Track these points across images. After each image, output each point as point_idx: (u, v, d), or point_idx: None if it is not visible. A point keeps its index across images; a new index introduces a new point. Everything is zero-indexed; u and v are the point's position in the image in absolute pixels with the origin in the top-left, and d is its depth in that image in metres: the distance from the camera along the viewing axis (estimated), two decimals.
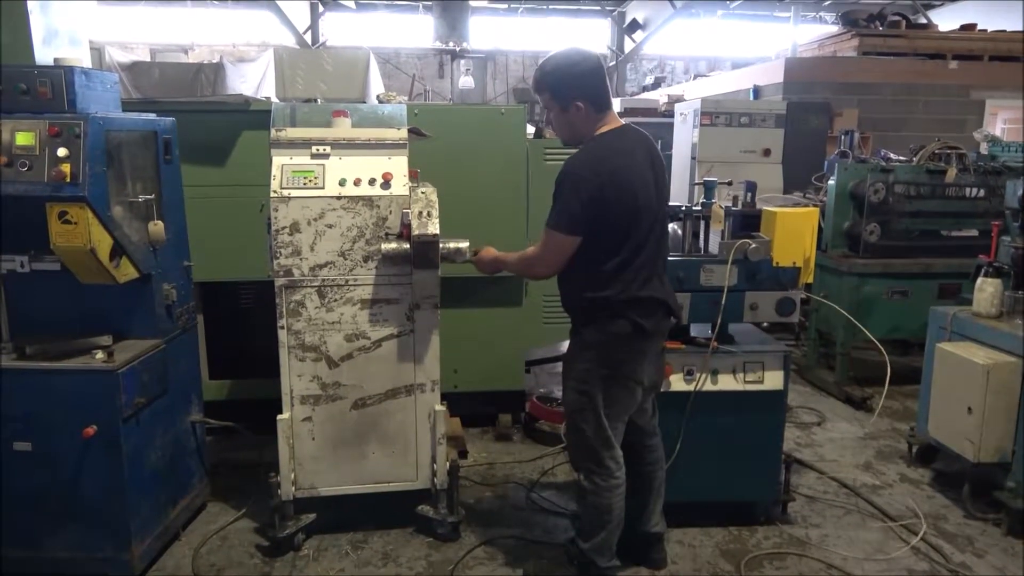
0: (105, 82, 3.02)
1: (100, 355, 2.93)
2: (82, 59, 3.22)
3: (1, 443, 2.87)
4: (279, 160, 3.23)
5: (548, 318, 4.70)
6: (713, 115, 7.12)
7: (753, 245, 3.36)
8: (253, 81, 7.11)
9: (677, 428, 3.37)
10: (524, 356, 4.83)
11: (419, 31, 17.58)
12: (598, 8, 18.75)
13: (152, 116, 3.26)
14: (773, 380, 3.42)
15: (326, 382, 3.31)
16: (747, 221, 3.71)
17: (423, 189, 3.23)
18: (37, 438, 2.89)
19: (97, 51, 6.17)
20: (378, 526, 3.56)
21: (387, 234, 3.24)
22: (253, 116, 4.11)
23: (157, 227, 3.14)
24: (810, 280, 3.84)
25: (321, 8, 17.62)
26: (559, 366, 3.47)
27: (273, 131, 3.25)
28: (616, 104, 12.11)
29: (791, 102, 7.28)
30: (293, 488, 3.32)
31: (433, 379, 3.39)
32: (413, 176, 3.34)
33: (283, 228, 3.18)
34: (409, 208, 3.17)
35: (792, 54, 10.83)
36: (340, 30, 17.97)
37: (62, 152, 2.69)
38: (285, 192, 3.16)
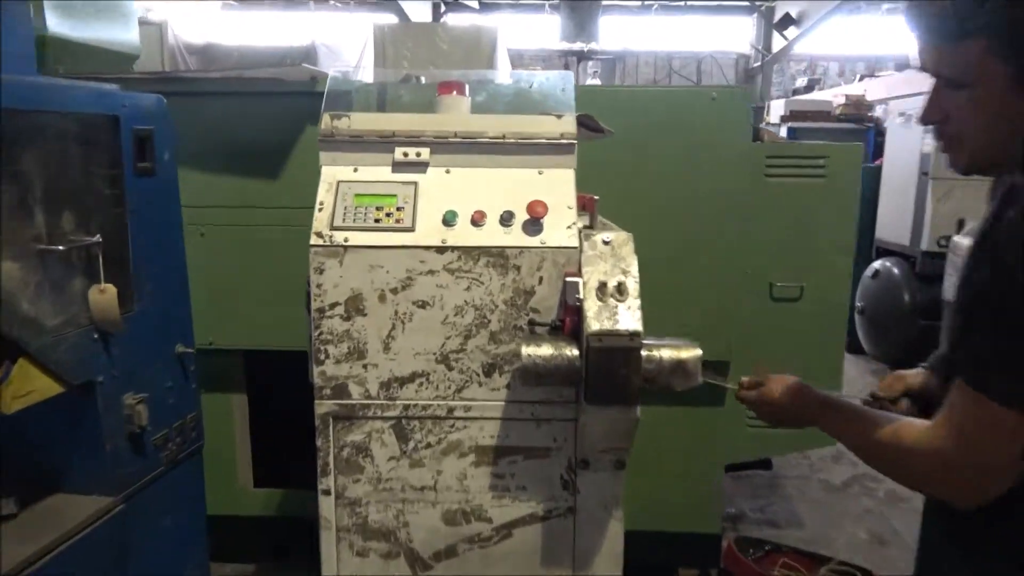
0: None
1: None
2: None
3: None
4: (332, 173, 1.69)
5: (754, 420, 2.96)
6: None
7: None
8: (349, 67, 5.81)
9: None
10: (715, 481, 3.10)
11: (544, 31, 16.28)
12: (744, 3, 16.72)
13: (113, 88, 1.79)
14: None
15: None
16: None
17: (606, 236, 1.60)
18: None
19: (157, 27, 4.99)
20: None
21: (532, 324, 1.64)
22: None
23: (104, 297, 1.66)
24: None
25: (443, 8, 16.61)
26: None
27: (325, 118, 1.71)
28: (779, 106, 10.16)
29: None
30: None
31: None
32: (586, 207, 1.71)
33: (332, 306, 1.62)
34: (579, 274, 1.56)
35: None
36: None
37: None
38: (338, 236, 1.61)
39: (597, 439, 1.63)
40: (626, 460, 1.70)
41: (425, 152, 1.67)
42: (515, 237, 1.62)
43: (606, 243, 1.60)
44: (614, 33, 16.65)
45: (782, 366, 1.57)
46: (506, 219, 1.62)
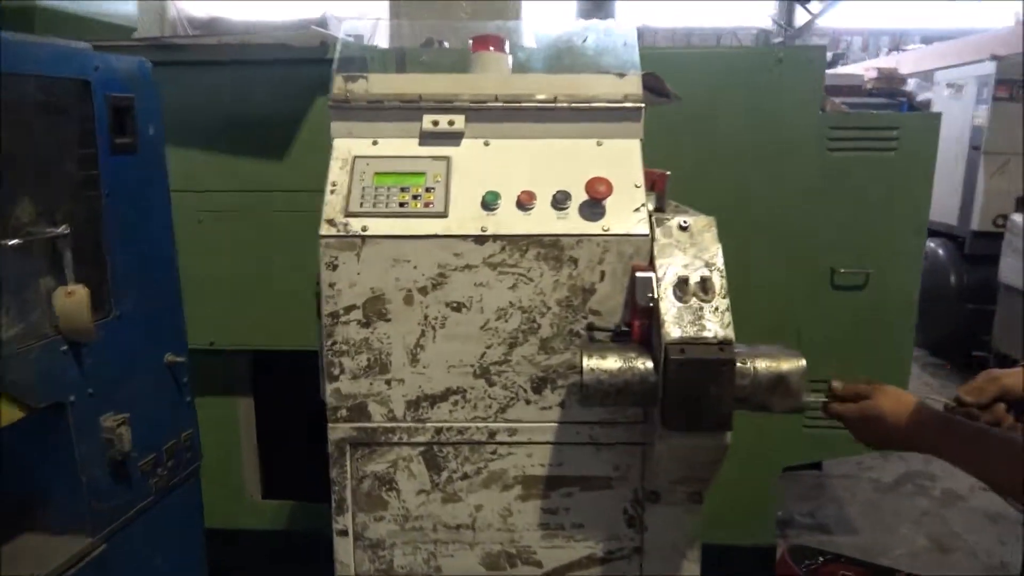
0: None
1: None
2: None
3: None
4: (346, 147, 1.38)
5: (812, 420, 2.67)
6: (1015, 84, 4.75)
7: None
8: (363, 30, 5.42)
9: None
10: (770, 488, 2.81)
11: (561, 12, 15.88)
12: None
13: (83, 47, 1.48)
14: None
15: None
16: None
17: (683, 220, 1.30)
18: None
19: (159, 1, 4.66)
20: None
21: (592, 329, 1.34)
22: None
23: (73, 300, 1.37)
24: None
25: None
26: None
27: (338, 81, 1.40)
28: None
29: None
30: None
31: None
32: (655, 185, 1.40)
33: (348, 309, 1.33)
34: (651, 267, 1.26)
35: None
36: None
37: None
38: (354, 224, 1.31)
39: (673, 469, 1.33)
40: (704, 493, 1.40)
41: (459, 120, 1.36)
42: (571, 223, 1.31)
43: (683, 228, 1.30)
44: (632, 9, 16.18)
45: (843, 365, 1.27)
46: (560, 201, 1.32)
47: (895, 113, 2.71)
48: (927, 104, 6.83)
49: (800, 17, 16.18)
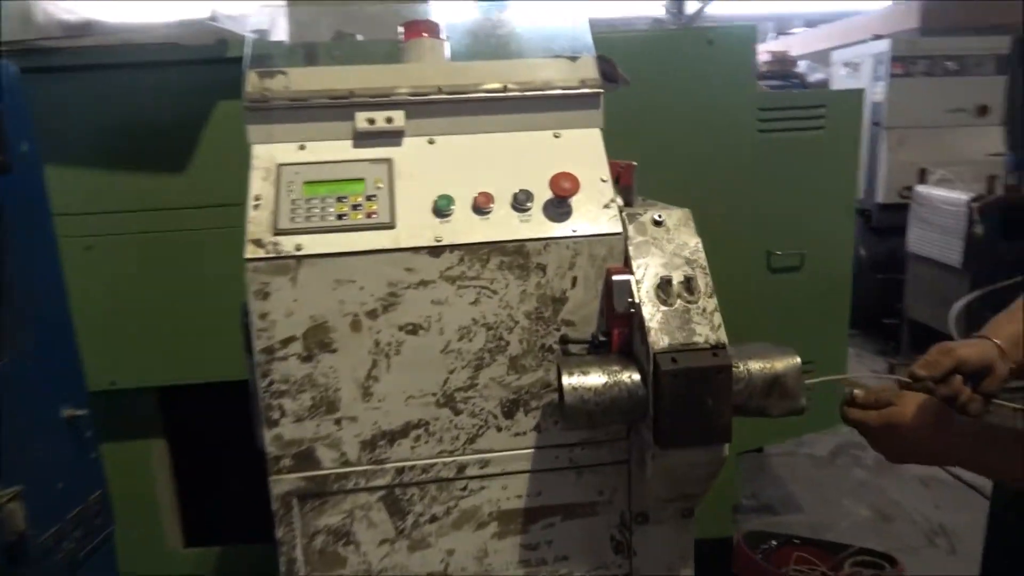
0: None
1: None
2: None
3: None
4: (268, 154, 1.19)
5: None
6: (910, 60, 4.93)
7: None
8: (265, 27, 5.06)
9: None
10: (736, 479, 2.76)
11: None
12: None
13: None
14: None
15: None
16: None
17: (658, 214, 1.18)
18: None
19: (24, 3, 4.20)
20: None
21: (567, 342, 1.20)
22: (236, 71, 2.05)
23: None
24: None
25: None
26: None
27: (252, 78, 1.20)
28: None
29: (1018, 37, 5.07)
30: None
31: None
32: (621, 177, 1.27)
33: (285, 342, 1.14)
34: (628, 269, 1.13)
35: None
36: None
37: None
38: (286, 243, 1.12)
39: (664, 487, 1.21)
40: (693, 510, 1.29)
41: (399, 116, 1.19)
42: (536, 225, 1.17)
43: (658, 223, 1.18)
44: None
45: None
46: (521, 202, 1.17)
47: (822, 90, 2.73)
48: (821, 84, 7.07)
49: (690, 6, 16.61)
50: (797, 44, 10.08)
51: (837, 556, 2.76)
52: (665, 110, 2.22)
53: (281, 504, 1.19)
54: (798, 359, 1.15)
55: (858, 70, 5.33)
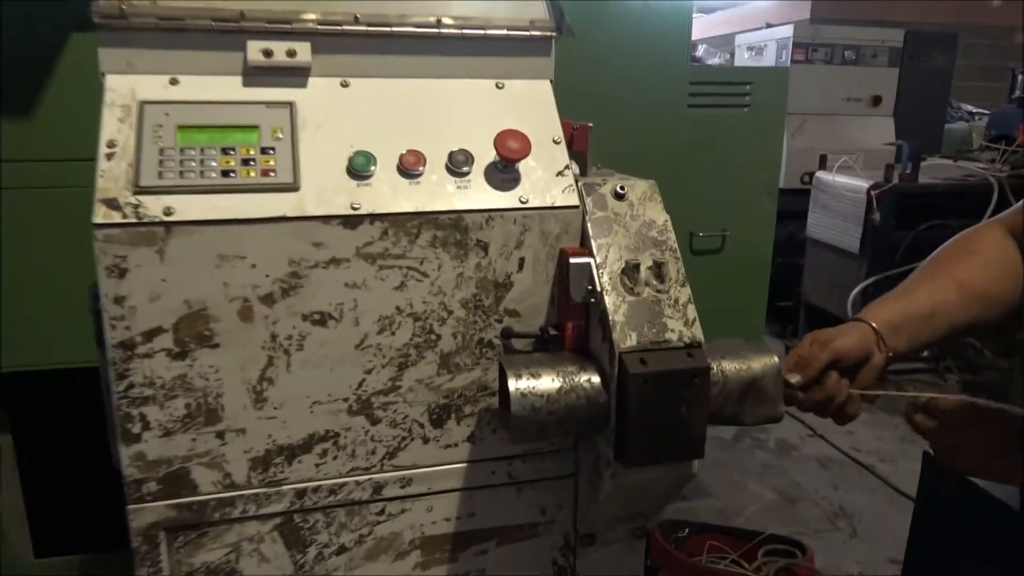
0: None
1: None
2: None
3: None
4: (127, 88, 0.90)
5: None
6: (810, 47, 4.99)
7: None
8: None
9: None
10: None
11: None
12: None
13: None
14: None
15: None
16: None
17: (619, 185, 0.99)
18: None
19: None
20: None
21: (510, 336, 0.99)
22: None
23: None
24: None
25: None
26: None
27: None
28: None
29: (910, 31, 5.22)
30: None
31: None
32: (574, 140, 1.07)
33: (149, 334, 0.87)
34: (587, 251, 0.94)
35: None
36: None
37: None
38: (152, 204, 0.85)
39: (619, 507, 1.04)
40: (647, 529, 1.13)
41: (304, 49, 0.94)
42: (477, 194, 0.95)
43: (620, 196, 0.99)
44: None
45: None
46: (459, 164, 0.95)
47: (750, 67, 2.67)
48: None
49: None
50: (696, 30, 10.33)
51: (748, 543, 2.73)
52: (601, 77, 2.05)
53: (144, 539, 0.93)
54: (776, 358, 1.00)
55: (762, 54, 5.36)
